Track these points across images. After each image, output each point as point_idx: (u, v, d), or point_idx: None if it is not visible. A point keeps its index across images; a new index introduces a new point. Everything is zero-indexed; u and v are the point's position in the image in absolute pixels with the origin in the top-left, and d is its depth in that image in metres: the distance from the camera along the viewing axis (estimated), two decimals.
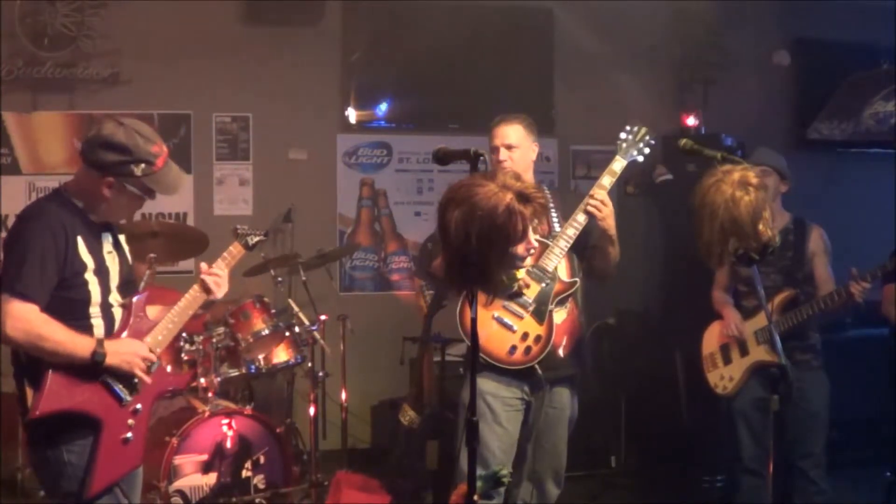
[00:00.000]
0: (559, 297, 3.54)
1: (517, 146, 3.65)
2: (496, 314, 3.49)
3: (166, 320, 3.03)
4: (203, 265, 3.14)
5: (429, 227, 4.14)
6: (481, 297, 3.32)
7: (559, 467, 3.69)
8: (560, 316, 3.55)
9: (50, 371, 2.76)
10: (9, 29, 5.52)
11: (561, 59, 6.46)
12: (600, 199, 3.49)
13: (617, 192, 6.47)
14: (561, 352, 3.56)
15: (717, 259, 3.00)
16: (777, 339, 3.18)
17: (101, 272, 2.88)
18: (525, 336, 3.48)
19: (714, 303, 4.41)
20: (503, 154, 3.64)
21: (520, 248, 2.58)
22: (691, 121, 5.87)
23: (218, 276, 3.11)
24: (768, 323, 3.44)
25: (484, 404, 3.48)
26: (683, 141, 3.49)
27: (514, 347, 3.47)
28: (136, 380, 2.90)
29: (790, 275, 4.16)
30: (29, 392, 2.78)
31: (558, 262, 3.52)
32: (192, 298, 3.09)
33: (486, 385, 3.51)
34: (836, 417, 4.26)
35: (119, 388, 2.88)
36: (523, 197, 2.46)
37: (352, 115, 6.19)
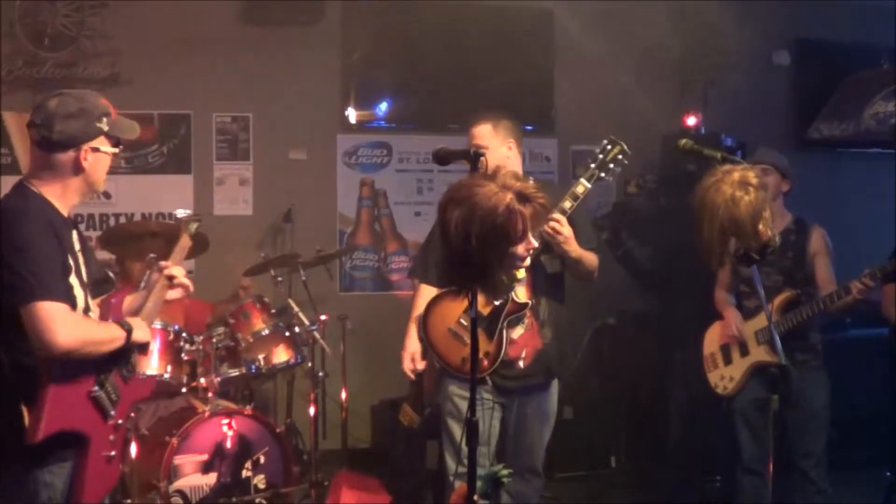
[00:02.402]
0: (510, 318, 3.59)
1: (486, 146, 3.68)
2: (451, 328, 3.63)
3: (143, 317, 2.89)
4: (162, 263, 3.00)
5: (429, 228, 4.14)
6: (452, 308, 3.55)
7: (534, 464, 3.82)
8: (518, 332, 3.63)
9: (50, 386, 2.56)
10: (9, 29, 5.51)
11: (561, 60, 6.46)
12: (553, 225, 3.46)
13: (617, 192, 6.51)
14: (521, 363, 3.65)
15: (717, 259, 3.00)
16: (777, 339, 3.18)
17: (79, 273, 2.75)
18: None
19: (716, 303, 4.41)
20: None
21: (520, 248, 2.59)
22: (691, 121, 5.87)
23: (175, 276, 2.96)
24: (769, 323, 3.44)
25: (451, 404, 3.73)
26: (683, 141, 3.49)
27: (464, 359, 3.53)
28: (114, 396, 2.77)
29: (791, 275, 4.16)
30: (24, 411, 2.57)
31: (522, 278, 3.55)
32: (159, 298, 2.94)
33: (454, 388, 3.73)
34: (836, 417, 4.25)
35: (107, 403, 2.74)
36: (523, 197, 2.46)
37: (352, 115, 6.19)
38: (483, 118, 3.82)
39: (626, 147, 3.59)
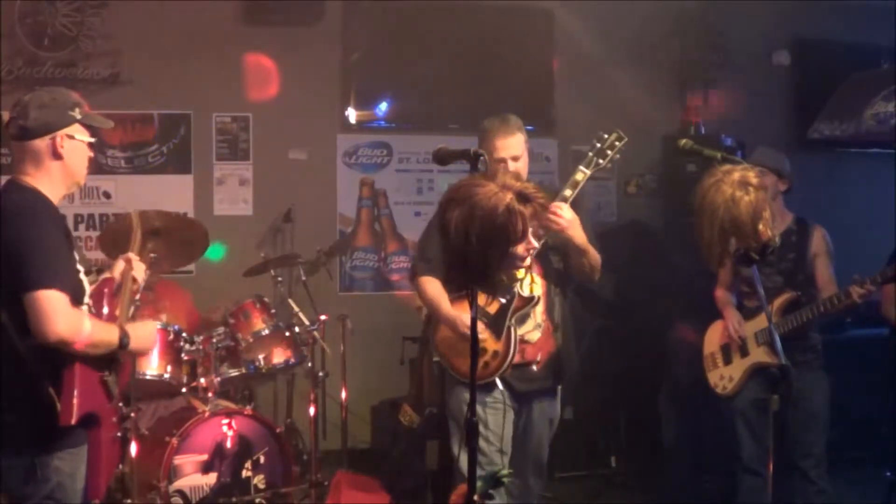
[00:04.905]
0: (518, 313, 3.54)
1: (521, 155, 3.65)
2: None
3: (122, 304, 2.99)
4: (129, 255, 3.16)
5: None
6: None
7: (539, 464, 3.82)
8: (534, 335, 3.59)
9: (77, 369, 2.63)
10: (9, 29, 5.52)
11: (561, 60, 6.46)
12: (553, 210, 3.42)
13: (617, 192, 6.52)
14: (535, 367, 3.62)
15: (717, 259, 3.00)
16: (777, 340, 3.17)
17: (81, 262, 2.85)
18: (483, 351, 3.50)
19: (717, 302, 4.41)
20: (511, 166, 3.59)
21: (520, 248, 2.59)
22: (692, 121, 5.89)
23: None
24: (769, 324, 3.44)
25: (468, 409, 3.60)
26: (683, 141, 3.49)
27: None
28: (116, 380, 2.86)
29: (791, 276, 4.15)
30: (52, 394, 2.62)
31: (522, 278, 3.51)
32: (126, 282, 3.06)
33: (465, 395, 3.54)
34: (836, 417, 4.25)
35: (113, 387, 2.83)
36: (523, 197, 2.46)
37: (352, 115, 6.19)
38: (511, 127, 3.67)
39: (622, 134, 3.59)
